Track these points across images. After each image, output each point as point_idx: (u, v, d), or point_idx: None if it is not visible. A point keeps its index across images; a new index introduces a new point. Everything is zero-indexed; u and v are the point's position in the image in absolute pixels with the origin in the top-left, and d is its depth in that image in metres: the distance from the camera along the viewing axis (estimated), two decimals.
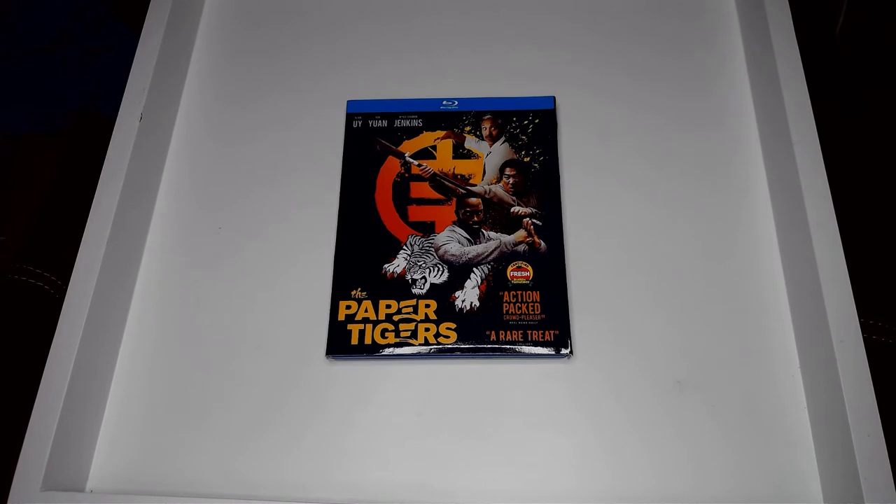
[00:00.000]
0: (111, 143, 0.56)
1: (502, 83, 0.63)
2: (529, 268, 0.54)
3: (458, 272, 0.54)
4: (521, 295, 0.53)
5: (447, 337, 0.52)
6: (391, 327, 0.52)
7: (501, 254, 0.55)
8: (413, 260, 0.55)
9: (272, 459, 0.50)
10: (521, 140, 0.59)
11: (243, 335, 0.54)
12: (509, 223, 0.56)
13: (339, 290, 0.54)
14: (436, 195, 0.57)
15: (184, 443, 0.51)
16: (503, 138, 0.59)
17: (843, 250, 0.49)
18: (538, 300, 0.53)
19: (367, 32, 0.66)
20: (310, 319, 0.54)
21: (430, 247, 0.55)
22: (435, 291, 0.53)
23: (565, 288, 0.53)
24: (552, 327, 0.52)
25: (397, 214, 0.57)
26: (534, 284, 0.53)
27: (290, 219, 0.58)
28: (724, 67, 0.63)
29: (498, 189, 0.57)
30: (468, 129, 0.60)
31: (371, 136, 0.60)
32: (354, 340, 0.52)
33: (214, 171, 0.60)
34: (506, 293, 0.53)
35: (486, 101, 0.61)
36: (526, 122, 0.60)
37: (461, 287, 0.54)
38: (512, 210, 0.56)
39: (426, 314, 0.53)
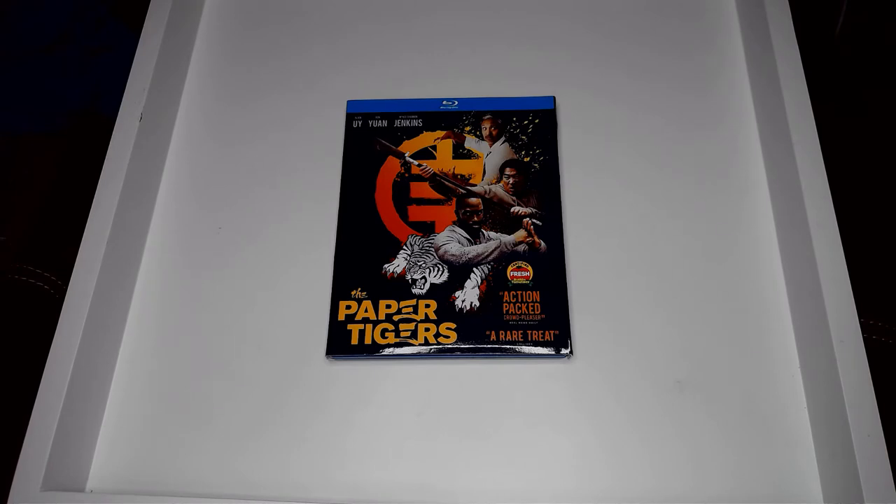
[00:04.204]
0: (111, 143, 0.56)
1: (502, 83, 0.63)
2: (529, 268, 0.54)
3: (458, 272, 0.54)
4: (521, 295, 0.53)
5: (447, 337, 0.52)
6: (391, 327, 0.52)
7: (501, 254, 0.55)
8: (413, 260, 0.55)
9: (272, 459, 0.50)
10: (521, 140, 0.59)
11: (243, 335, 0.54)
12: (509, 223, 0.56)
13: (339, 290, 0.54)
14: (436, 195, 0.57)
15: (184, 443, 0.51)
16: (503, 138, 0.59)
17: (843, 250, 0.49)
18: (538, 300, 0.53)
19: (367, 32, 0.66)
20: (310, 319, 0.54)
21: (430, 247, 0.55)
22: (435, 291, 0.53)
23: (565, 288, 0.53)
24: (552, 327, 0.52)
25: (397, 214, 0.57)
26: (534, 284, 0.53)
27: (290, 219, 0.58)
28: (724, 67, 0.63)
29: (498, 189, 0.57)
30: (468, 129, 0.60)
31: (371, 136, 0.60)
32: (354, 340, 0.52)
33: (214, 171, 0.60)
34: (506, 293, 0.53)
35: (486, 101, 0.61)
36: (526, 122, 0.60)
37: (461, 287, 0.54)
38: (512, 210, 0.56)
39: (426, 314, 0.53)
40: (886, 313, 0.55)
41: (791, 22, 0.58)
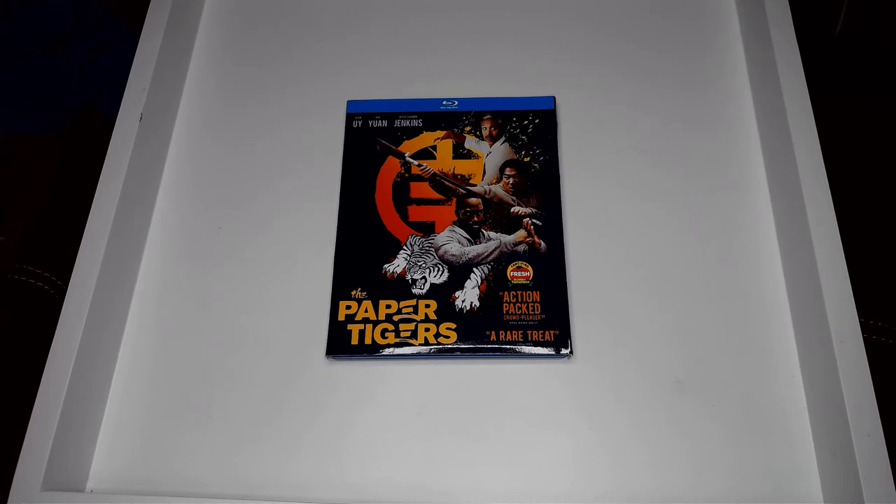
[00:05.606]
0: (111, 143, 0.56)
1: (502, 83, 0.63)
2: (529, 268, 0.54)
3: (458, 272, 0.54)
4: (521, 295, 0.53)
5: (447, 337, 0.52)
6: (391, 327, 0.52)
7: (501, 254, 0.55)
8: (413, 260, 0.55)
9: (272, 459, 0.50)
10: (521, 140, 0.59)
11: (243, 335, 0.54)
12: (509, 223, 0.56)
13: (339, 290, 0.54)
14: (436, 195, 0.57)
15: (184, 443, 0.51)
16: (503, 138, 0.59)
17: (843, 250, 0.49)
18: (538, 300, 0.53)
19: (367, 32, 0.66)
20: (310, 319, 0.54)
21: (430, 247, 0.55)
22: (435, 291, 0.53)
23: (565, 288, 0.53)
24: (552, 327, 0.52)
25: (397, 214, 0.57)
26: (534, 284, 0.53)
27: (290, 219, 0.58)
28: (724, 67, 0.63)
29: (498, 189, 0.57)
30: (468, 129, 0.60)
31: (371, 136, 0.60)
32: (354, 340, 0.52)
33: (214, 171, 0.60)
34: (506, 293, 0.53)
35: (486, 101, 0.61)
36: (526, 122, 0.60)
37: (461, 287, 0.54)
38: (512, 210, 0.56)
39: (426, 314, 0.53)
40: (886, 313, 0.55)
41: (791, 22, 0.58)
